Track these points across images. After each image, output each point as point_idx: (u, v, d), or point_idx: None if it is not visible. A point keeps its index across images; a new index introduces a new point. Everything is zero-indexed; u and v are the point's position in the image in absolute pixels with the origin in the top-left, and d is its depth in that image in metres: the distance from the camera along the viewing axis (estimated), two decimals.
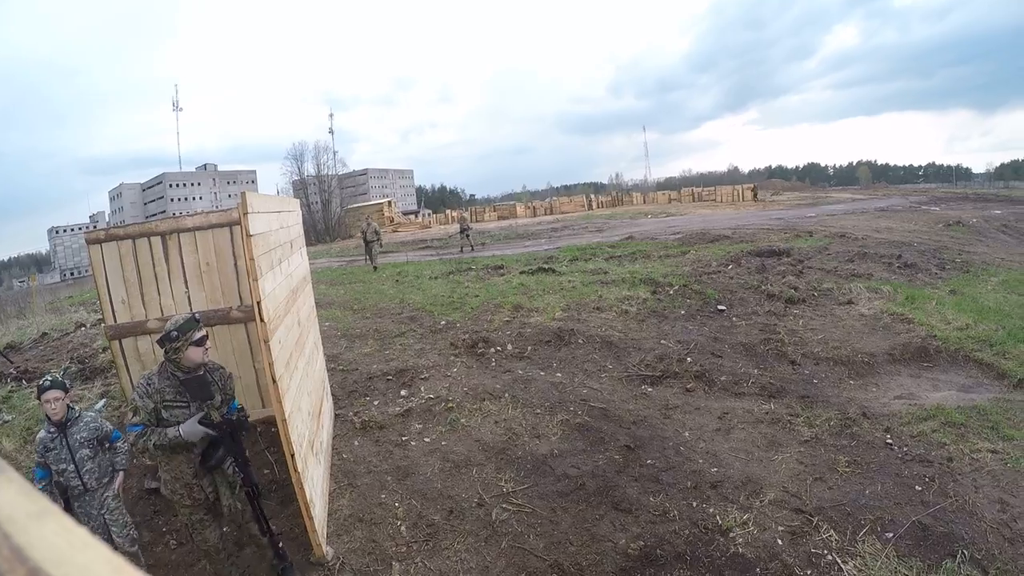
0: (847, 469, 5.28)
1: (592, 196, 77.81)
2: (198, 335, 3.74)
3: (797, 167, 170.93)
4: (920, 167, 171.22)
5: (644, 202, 71.13)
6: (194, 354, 3.74)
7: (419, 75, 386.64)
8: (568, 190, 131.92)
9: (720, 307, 10.64)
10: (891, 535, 4.33)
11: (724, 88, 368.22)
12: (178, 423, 3.69)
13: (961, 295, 11.03)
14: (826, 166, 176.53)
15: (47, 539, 0.39)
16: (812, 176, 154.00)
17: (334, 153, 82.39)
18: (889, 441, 5.73)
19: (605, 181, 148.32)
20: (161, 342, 3.74)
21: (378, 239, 21.33)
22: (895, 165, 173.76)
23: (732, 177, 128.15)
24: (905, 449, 5.55)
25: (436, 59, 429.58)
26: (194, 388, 3.79)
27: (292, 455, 3.60)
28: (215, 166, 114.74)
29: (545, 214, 63.41)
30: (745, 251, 15.70)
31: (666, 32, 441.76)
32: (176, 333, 3.67)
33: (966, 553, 4.07)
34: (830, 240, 17.52)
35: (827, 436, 5.93)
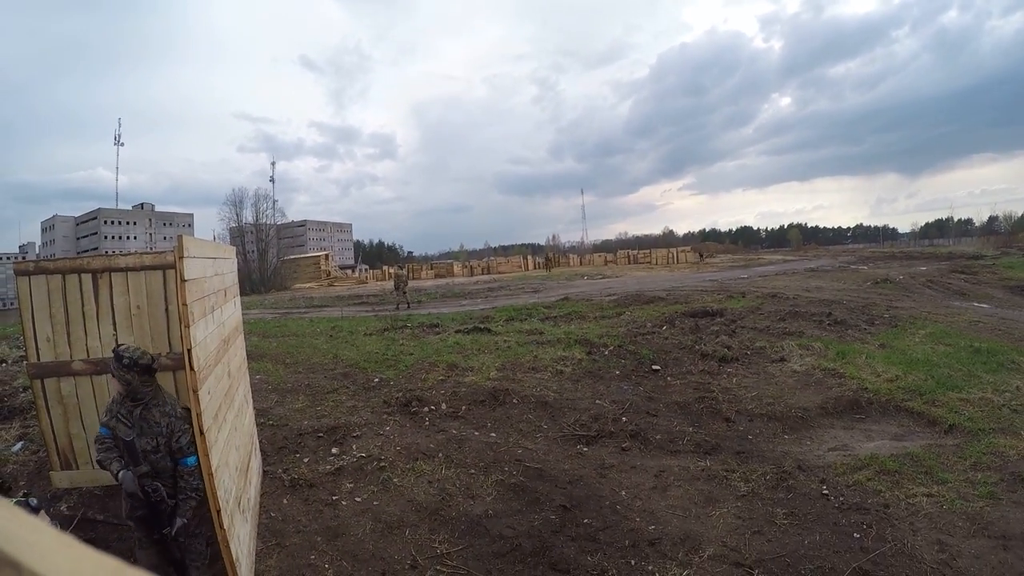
0: (785, 521, 5.40)
1: (541, 257, 79.10)
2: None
3: (730, 230, 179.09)
4: (849, 229, 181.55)
5: (581, 264, 72.66)
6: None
7: (363, 127, 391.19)
8: (505, 250, 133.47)
9: (655, 367, 10.86)
10: None
11: (661, 153, 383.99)
12: (123, 439, 3.91)
13: (890, 348, 11.59)
14: (758, 229, 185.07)
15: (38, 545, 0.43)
16: (745, 239, 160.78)
17: (274, 202, 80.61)
18: (825, 492, 5.90)
19: (542, 242, 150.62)
20: None
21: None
22: (825, 227, 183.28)
23: (667, 240, 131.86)
24: (841, 499, 5.73)
25: (379, 111, 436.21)
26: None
27: (218, 511, 3.51)
28: (152, 206, 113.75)
29: (482, 273, 64.33)
30: (679, 312, 16.15)
31: (608, 96, 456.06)
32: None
33: None
34: (762, 300, 18.17)
35: (763, 490, 6.07)
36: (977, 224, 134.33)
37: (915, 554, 4.72)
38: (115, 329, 5.74)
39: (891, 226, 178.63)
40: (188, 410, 4.07)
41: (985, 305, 20.08)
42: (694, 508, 5.80)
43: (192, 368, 3.36)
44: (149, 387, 4.09)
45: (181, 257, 3.35)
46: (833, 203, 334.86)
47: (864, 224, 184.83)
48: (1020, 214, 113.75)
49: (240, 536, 4.10)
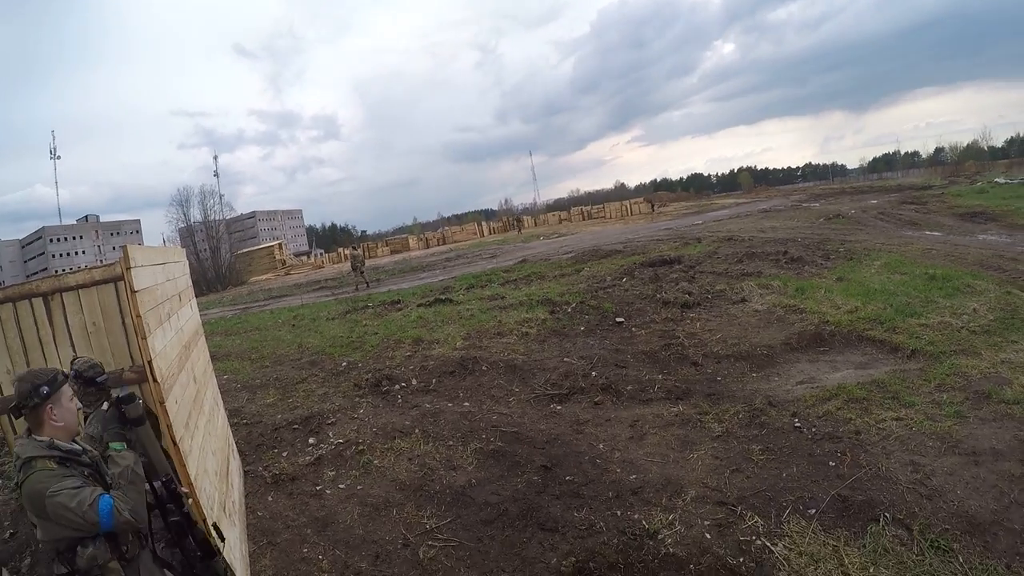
0: (761, 457, 5.57)
1: (497, 222, 79.18)
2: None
3: (681, 178, 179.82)
4: (798, 168, 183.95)
5: (535, 224, 72.76)
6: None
7: (303, 110, 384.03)
8: (459, 219, 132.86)
9: (619, 319, 11.00)
10: (813, 511, 4.62)
11: (608, 108, 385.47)
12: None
13: (848, 281, 11.92)
14: (709, 175, 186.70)
15: None
16: (696, 185, 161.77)
17: (220, 197, 78.54)
18: (798, 425, 6.08)
19: (495, 207, 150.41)
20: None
21: None
22: (775, 168, 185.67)
23: (620, 193, 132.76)
24: (814, 430, 5.92)
25: (318, 92, 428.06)
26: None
27: (204, 520, 3.45)
28: (97, 217, 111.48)
29: (438, 244, 64.54)
30: (637, 263, 16.32)
31: (551, 56, 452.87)
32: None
33: (888, 516, 4.40)
34: (718, 244, 18.45)
35: (737, 429, 6.24)
36: (924, 156, 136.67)
37: (890, 476, 4.92)
38: (74, 350, 5.53)
39: (840, 163, 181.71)
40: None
41: (937, 233, 20.77)
42: (672, 453, 5.94)
43: (155, 379, 3.27)
44: (94, 401, 3.84)
45: (128, 268, 3.25)
46: (781, 144, 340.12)
47: (813, 163, 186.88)
48: (965, 144, 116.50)
49: (230, 541, 4.06)
